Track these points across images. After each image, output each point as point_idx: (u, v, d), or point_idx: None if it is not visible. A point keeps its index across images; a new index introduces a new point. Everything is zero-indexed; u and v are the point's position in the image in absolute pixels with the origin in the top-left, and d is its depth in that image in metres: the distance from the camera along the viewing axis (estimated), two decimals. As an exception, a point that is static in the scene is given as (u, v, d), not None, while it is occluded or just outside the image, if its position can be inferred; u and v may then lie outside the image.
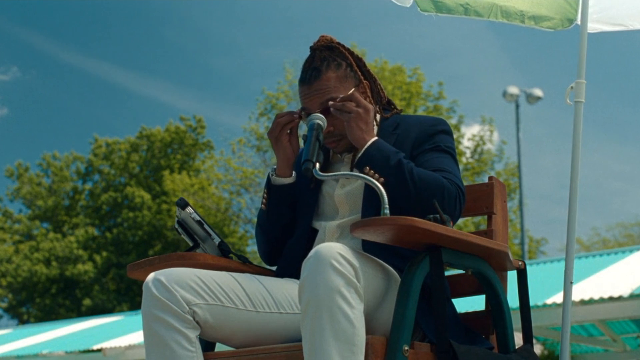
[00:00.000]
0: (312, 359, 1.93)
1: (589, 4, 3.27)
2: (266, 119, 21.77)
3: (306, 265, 1.99)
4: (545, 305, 7.84)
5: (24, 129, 37.71)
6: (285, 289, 2.27)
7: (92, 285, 25.68)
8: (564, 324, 2.95)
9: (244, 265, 2.40)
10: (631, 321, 9.16)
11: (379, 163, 2.26)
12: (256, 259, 13.34)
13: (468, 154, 22.00)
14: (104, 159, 27.24)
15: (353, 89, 2.39)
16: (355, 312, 1.95)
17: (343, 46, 2.47)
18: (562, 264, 3.07)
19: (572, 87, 3.17)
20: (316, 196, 2.46)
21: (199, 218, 2.36)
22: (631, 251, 9.94)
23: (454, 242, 2.09)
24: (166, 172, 25.30)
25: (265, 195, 2.48)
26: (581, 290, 7.98)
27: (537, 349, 10.77)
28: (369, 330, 2.01)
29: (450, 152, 2.41)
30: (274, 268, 2.51)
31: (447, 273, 2.24)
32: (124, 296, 25.72)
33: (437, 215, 2.06)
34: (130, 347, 10.43)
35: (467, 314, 2.47)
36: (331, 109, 2.32)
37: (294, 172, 2.45)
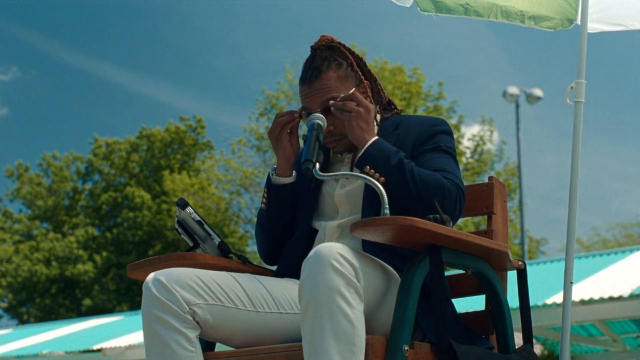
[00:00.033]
0: (312, 359, 1.93)
1: (589, 4, 3.27)
2: (266, 119, 21.77)
3: (306, 265, 1.99)
4: (545, 305, 7.84)
5: (24, 129, 37.75)
6: (285, 289, 2.27)
7: (92, 285, 25.67)
8: (564, 324, 2.95)
9: (244, 265, 2.40)
10: (631, 321, 9.16)
11: (380, 162, 2.26)
12: (256, 259, 13.34)
13: (468, 154, 22.01)
14: (104, 159, 27.24)
15: (354, 89, 2.39)
16: (355, 312, 1.95)
17: (344, 46, 2.47)
18: (562, 264, 3.07)
19: (572, 87, 3.17)
20: (316, 196, 2.46)
21: (199, 218, 2.36)
22: (631, 251, 9.94)
23: (454, 242, 2.09)
24: (166, 172, 25.31)
25: (265, 194, 2.48)
26: (581, 290, 7.98)
27: (537, 349, 10.77)
28: (369, 330, 2.01)
29: (451, 152, 2.41)
30: (274, 268, 2.51)
31: (447, 273, 2.24)
32: (124, 296, 25.72)
33: (437, 215, 2.06)
34: (130, 347, 10.43)
35: (467, 314, 2.47)
36: (332, 108, 2.33)
37: (294, 172, 2.45)
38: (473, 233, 2.37)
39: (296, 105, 19.78)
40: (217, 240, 2.36)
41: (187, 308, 2.11)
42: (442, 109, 21.43)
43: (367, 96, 2.45)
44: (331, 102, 2.33)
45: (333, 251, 1.97)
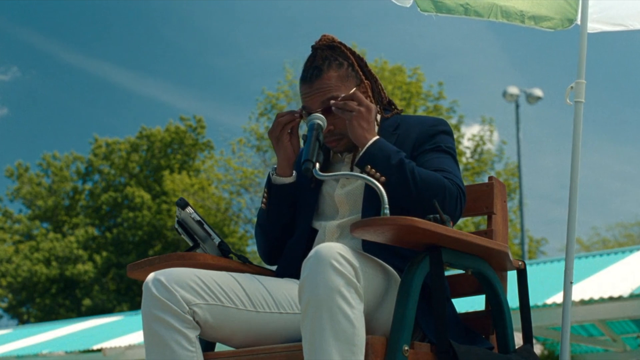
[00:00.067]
0: (312, 359, 1.93)
1: (589, 4, 3.27)
2: (266, 119, 21.78)
3: (306, 265, 1.99)
4: (545, 305, 7.84)
5: (24, 129, 37.75)
6: (285, 289, 2.27)
7: (92, 285, 25.67)
8: (564, 324, 2.95)
9: (244, 265, 2.40)
10: (631, 321, 9.16)
11: (381, 162, 2.26)
12: (256, 259, 13.34)
13: (468, 154, 22.00)
14: (104, 159, 27.24)
15: (354, 89, 2.39)
16: (355, 312, 1.95)
17: (345, 46, 2.47)
18: (562, 264, 3.07)
19: (572, 87, 3.17)
20: (316, 196, 2.46)
21: (199, 218, 2.36)
22: (631, 251, 9.94)
23: (454, 242, 2.09)
24: (166, 172, 25.31)
25: (265, 194, 2.48)
26: (581, 290, 7.98)
27: (537, 349, 10.77)
28: (369, 330, 2.01)
29: (451, 152, 2.41)
30: (274, 268, 2.51)
31: (447, 273, 2.24)
32: (124, 296, 25.72)
33: (437, 215, 2.06)
34: (130, 347, 10.43)
35: (467, 314, 2.47)
36: (333, 107, 2.33)
37: (294, 172, 2.45)
38: (473, 233, 2.37)
39: (296, 105, 19.78)
40: (217, 240, 2.36)
41: (187, 308, 2.11)
42: (442, 109, 21.43)
43: (368, 96, 2.45)
44: (332, 101, 2.33)
45: (333, 251, 1.97)
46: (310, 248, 2.29)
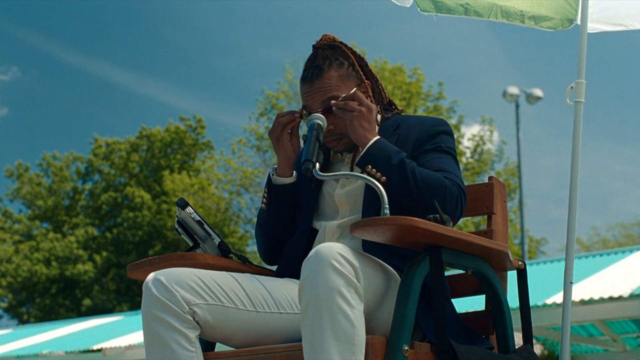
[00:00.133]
0: (312, 359, 1.93)
1: (589, 4, 3.27)
2: (266, 119, 21.78)
3: (306, 265, 1.99)
4: (545, 305, 7.84)
5: (24, 129, 37.74)
6: (285, 289, 2.27)
7: (92, 285, 25.67)
8: (564, 324, 2.95)
9: (244, 265, 2.40)
10: (631, 321, 9.16)
11: (381, 162, 2.26)
12: (256, 259, 13.34)
13: (468, 154, 22.00)
14: (104, 159, 27.24)
15: (355, 88, 2.39)
16: (355, 312, 1.95)
17: (345, 45, 2.47)
18: (562, 264, 3.07)
19: (572, 87, 3.17)
20: (316, 196, 2.46)
21: (199, 218, 2.36)
22: (631, 251, 9.94)
23: (454, 242, 2.09)
24: (166, 172, 25.30)
25: (265, 194, 2.48)
26: (581, 290, 7.98)
27: (537, 349, 10.77)
28: (369, 330, 2.01)
29: (451, 152, 2.41)
30: (274, 268, 2.51)
31: (447, 273, 2.24)
32: (124, 296, 25.72)
33: (437, 215, 2.06)
34: (130, 347, 10.43)
35: (467, 314, 2.47)
36: (334, 107, 2.33)
37: (294, 172, 2.45)
38: (473, 233, 2.37)
39: (296, 105, 19.78)
40: (217, 240, 2.36)
41: (187, 308, 2.11)
42: (442, 109, 21.43)
43: (368, 96, 2.45)
44: (333, 101, 2.33)
45: (333, 251, 1.97)
46: (310, 248, 2.29)
